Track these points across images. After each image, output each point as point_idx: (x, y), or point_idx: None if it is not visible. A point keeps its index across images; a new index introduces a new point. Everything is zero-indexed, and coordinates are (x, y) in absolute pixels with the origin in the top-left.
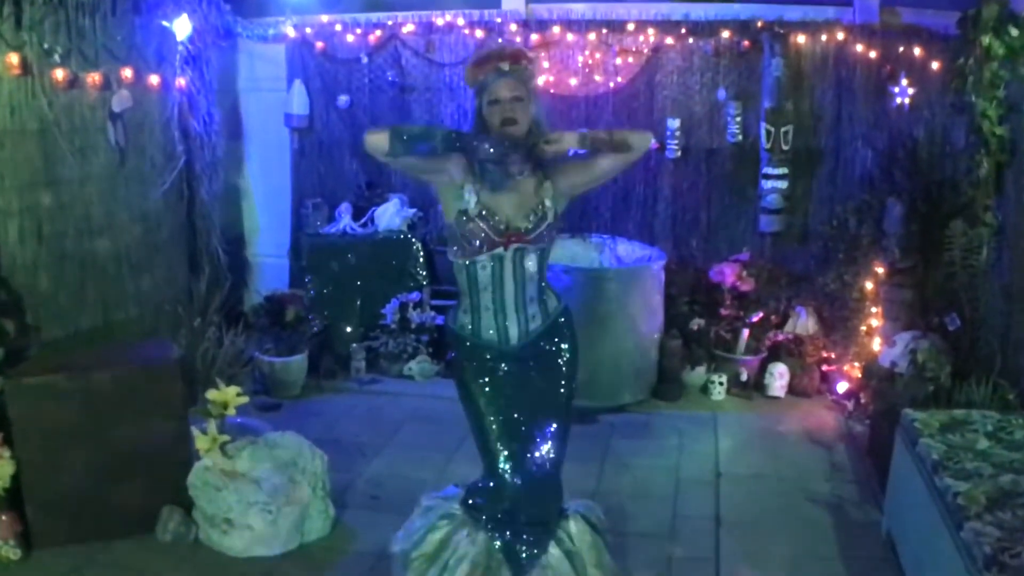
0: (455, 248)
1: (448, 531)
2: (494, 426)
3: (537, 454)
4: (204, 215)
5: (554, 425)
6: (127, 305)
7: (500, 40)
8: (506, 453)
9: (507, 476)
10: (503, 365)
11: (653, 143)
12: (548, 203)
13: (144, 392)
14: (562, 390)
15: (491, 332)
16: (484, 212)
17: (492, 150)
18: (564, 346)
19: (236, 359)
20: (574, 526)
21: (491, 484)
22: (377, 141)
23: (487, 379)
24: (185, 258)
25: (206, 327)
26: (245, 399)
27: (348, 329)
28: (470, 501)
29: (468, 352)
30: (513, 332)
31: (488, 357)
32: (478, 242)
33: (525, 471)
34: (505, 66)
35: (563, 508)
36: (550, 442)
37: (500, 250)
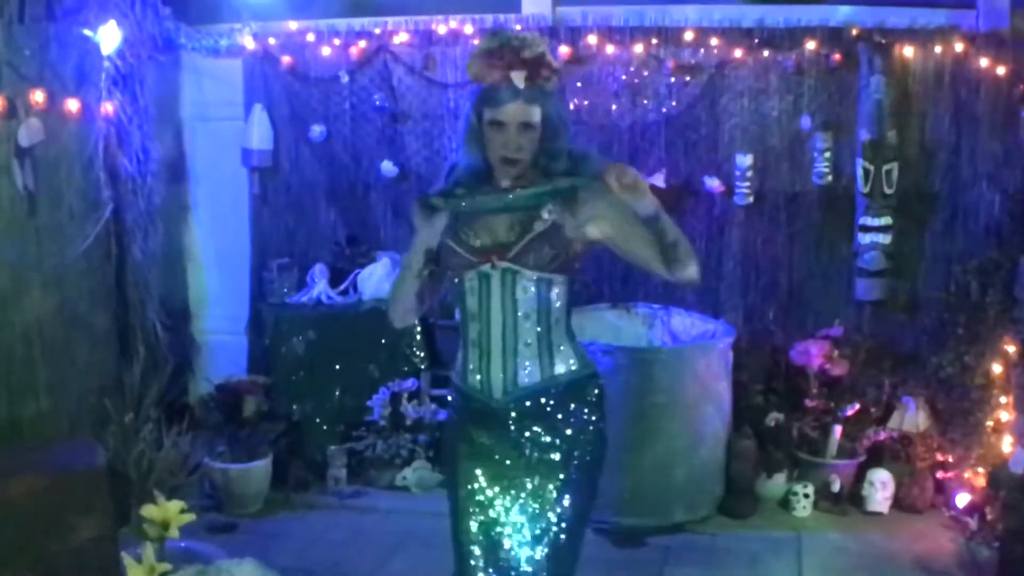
0: (449, 273)
1: None
2: (466, 510)
3: None
4: (137, 280)
5: (545, 541)
6: (38, 396)
7: (519, 35)
8: (475, 559)
9: None
10: (486, 427)
11: (719, 187)
12: (546, 215)
13: (60, 508)
14: (564, 492)
15: (476, 378)
16: (459, 233)
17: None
18: (559, 425)
19: (180, 465)
20: None
21: None
22: (398, 316)
23: (466, 444)
24: (114, 335)
25: (141, 424)
26: (191, 517)
27: (324, 427)
28: None
29: (456, 404)
30: (497, 380)
31: (470, 412)
32: (458, 263)
33: None
34: (519, 79)
35: None
36: (539, 567)
37: (486, 267)
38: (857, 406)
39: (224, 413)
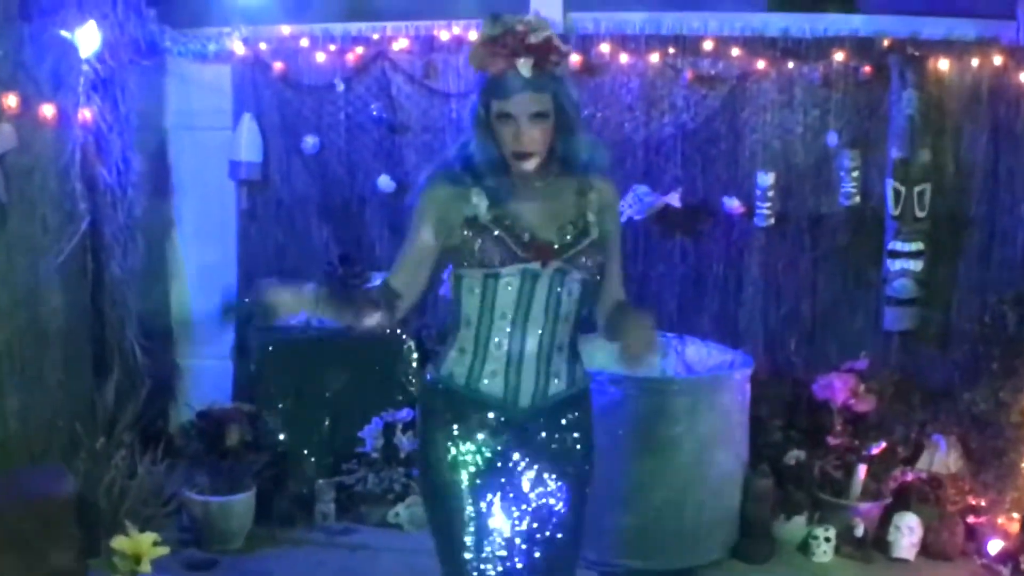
0: (465, 260)
1: None
2: (463, 525)
3: None
4: (115, 298)
5: (547, 551)
6: (6, 419)
7: (523, 19)
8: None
9: None
10: (501, 440)
11: (738, 208)
12: (591, 217)
13: (26, 537)
14: (568, 501)
15: (496, 382)
16: (502, 218)
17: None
18: (579, 435)
19: (154, 495)
20: None
21: None
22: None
23: (473, 457)
24: (88, 356)
25: (113, 450)
26: (165, 550)
27: (312, 459)
28: None
29: (452, 415)
30: (527, 388)
31: (481, 423)
32: (498, 255)
33: None
34: (526, 68)
35: None
36: None
37: (535, 266)
38: (883, 444)
39: (205, 442)
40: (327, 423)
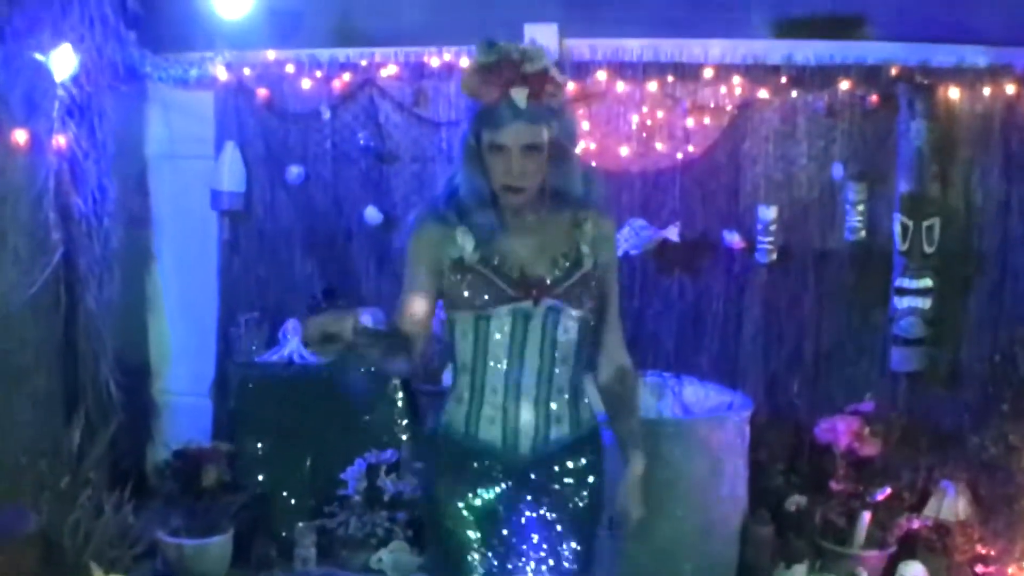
0: (455, 304)
1: None
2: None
3: None
4: (90, 332)
5: None
6: None
7: (519, 47)
8: None
9: None
10: (503, 489)
11: (739, 243)
12: (585, 248)
13: None
14: (577, 547)
15: (493, 429)
16: (488, 257)
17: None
18: (589, 480)
19: (121, 535)
20: None
21: None
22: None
23: (476, 507)
24: (59, 392)
25: (78, 490)
26: None
27: (292, 501)
28: None
29: (454, 465)
30: (526, 433)
31: (481, 471)
32: (486, 295)
33: None
34: (520, 98)
35: None
36: None
37: (527, 304)
38: (889, 490)
39: (181, 482)
40: (308, 463)
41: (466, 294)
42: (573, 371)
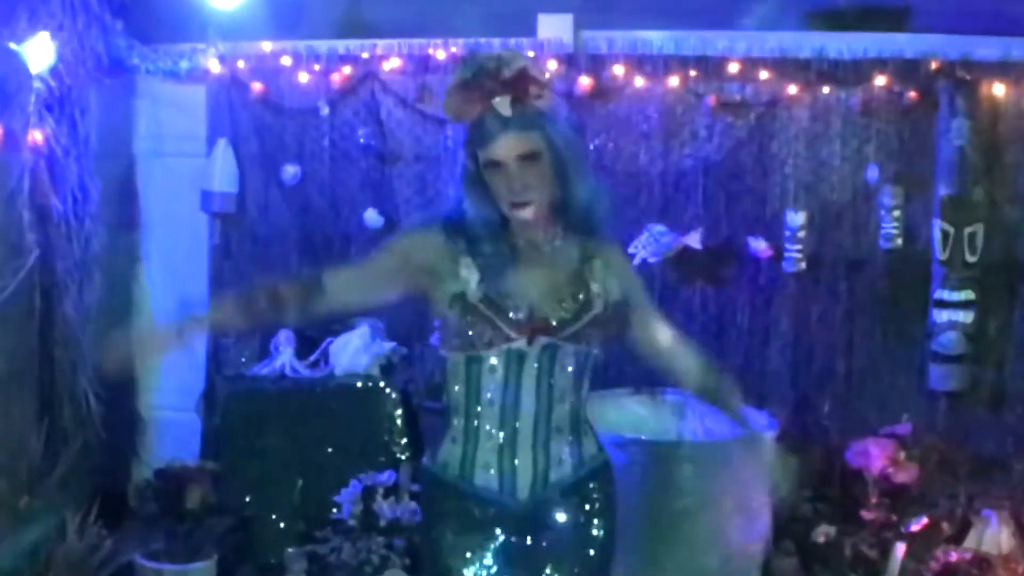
0: (448, 340)
1: None
2: None
3: None
4: (68, 341)
5: None
6: None
7: (492, 55)
8: None
9: None
10: (503, 533)
11: (766, 250)
12: (595, 287)
13: None
14: None
15: (490, 474)
16: (492, 295)
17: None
18: (596, 522)
19: (82, 560)
20: None
21: None
22: None
23: (475, 550)
24: (33, 406)
25: (37, 510)
26: None
27: (281, 525)
28: None
29: (449, 507)
30: (524, 479)
31: (477, 518)
32: (486, 336)
33: None
34: (504, 106)
35: None
36: None
37: (520, 344)
38: (925, 520)
39: (163, 503)
40: (299, 485)
41: (466, 333)
42: (572, 407)
